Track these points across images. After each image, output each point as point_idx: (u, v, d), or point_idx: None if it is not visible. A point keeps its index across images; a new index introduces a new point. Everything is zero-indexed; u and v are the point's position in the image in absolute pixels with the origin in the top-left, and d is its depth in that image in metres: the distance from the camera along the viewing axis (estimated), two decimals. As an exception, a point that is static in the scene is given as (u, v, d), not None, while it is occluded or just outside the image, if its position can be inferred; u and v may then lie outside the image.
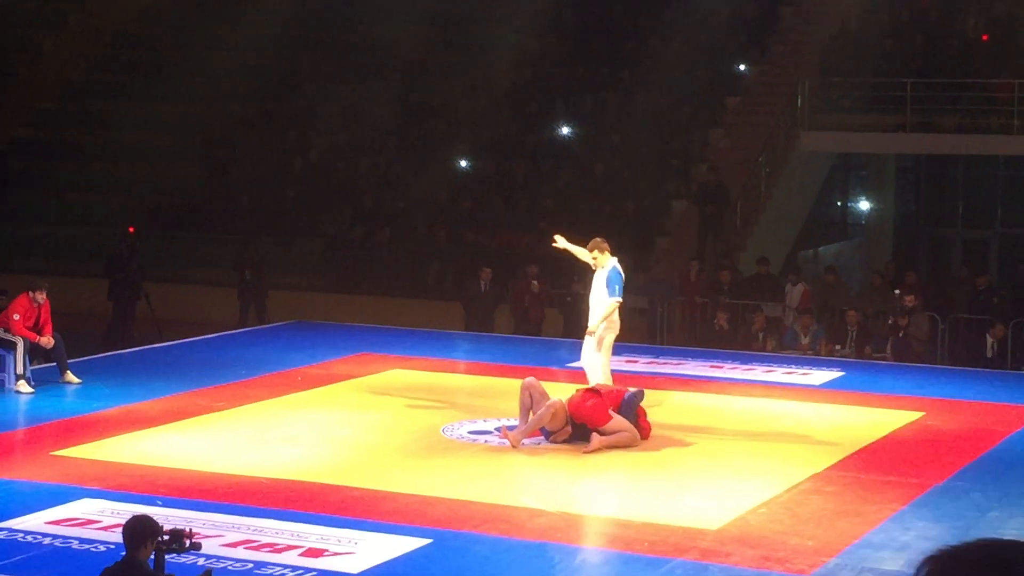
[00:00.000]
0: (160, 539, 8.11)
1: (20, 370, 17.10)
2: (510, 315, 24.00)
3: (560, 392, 15.31)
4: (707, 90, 29.87)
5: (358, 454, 14.42)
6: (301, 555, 11.07)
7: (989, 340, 21.60)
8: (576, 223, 26.61)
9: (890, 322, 21.34)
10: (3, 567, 10.79)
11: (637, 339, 23.43)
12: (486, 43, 32.18)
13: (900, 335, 21.28)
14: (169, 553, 8.13)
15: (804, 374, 19.06)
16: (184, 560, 10.52)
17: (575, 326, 23.62)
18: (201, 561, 10.67)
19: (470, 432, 15.28)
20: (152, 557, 8.13)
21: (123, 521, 11.61)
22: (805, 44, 30.56)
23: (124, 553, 8.17)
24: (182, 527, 8.25)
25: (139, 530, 8.15)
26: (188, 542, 8.12)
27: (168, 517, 11.49)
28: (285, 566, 10.84)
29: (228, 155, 31.47)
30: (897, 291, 21.58)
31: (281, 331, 22.22)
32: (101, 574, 8.48)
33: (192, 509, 12.07)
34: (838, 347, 22.12)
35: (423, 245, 27.98)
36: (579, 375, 17.78)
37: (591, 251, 15.94)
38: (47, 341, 17.30)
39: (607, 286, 15.73)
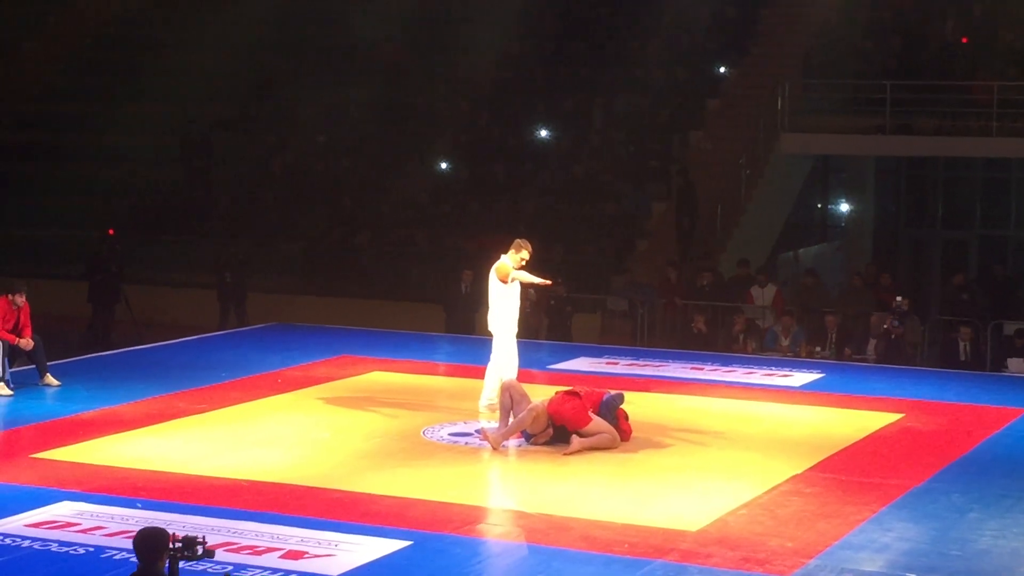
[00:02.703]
0: (173, 547, 8.11)
1: (0, 372, 17.07)
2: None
3: (540, 394, 15.32)
4: (687, 92, 29.89)
5: (338, 456, 14.41)
6: (281, 557, 11.06)
7: (961, 344, 21.64)
8: (556, 225, 26.72)
9: (886, 326, 21.38)
10: (-18, 570, 10.77)
11: (618, 341, 23.46)
12: (466, 45, 32.18)
13: (892, 337, 21.33)
14: (182, 560, 8.12)
15: (784, 376, 19.08)
16: (202, 568, 10.49)
17: (559, 328, 23.65)
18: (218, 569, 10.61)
19: (451, 434, 15.28)
20: (167, 565, 8.15)
21: (102, 524, 11.70)
22: (785, 46, 30.60)
23: (140, 565, 8.15)
24: (194, 535, 8.22)
25: (152, 544, 8.16)
26: (201, 549, 8.12)
27: (149, 520, 11.46)
28: (265, 568, 10.82)
29: (207, 157, 31.41)
30: (899, 298, 21.61)
31: (261, 333, 22.18)
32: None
33: (172, 511, 12.03)
34: (818, 349, 22.15)
35: (403, 247, 27.96)
36: (560, 377, 17.81)
37: (517, 255, 16.01)
38: (27, 343, 17.25)
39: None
